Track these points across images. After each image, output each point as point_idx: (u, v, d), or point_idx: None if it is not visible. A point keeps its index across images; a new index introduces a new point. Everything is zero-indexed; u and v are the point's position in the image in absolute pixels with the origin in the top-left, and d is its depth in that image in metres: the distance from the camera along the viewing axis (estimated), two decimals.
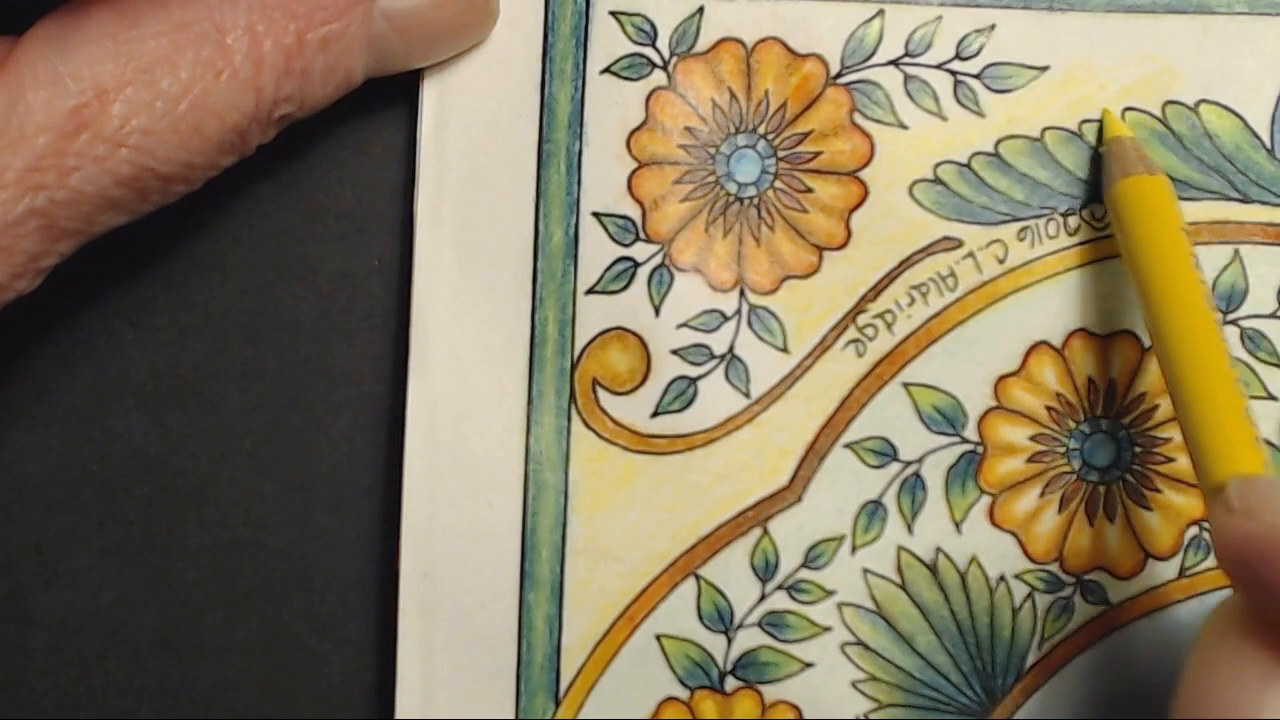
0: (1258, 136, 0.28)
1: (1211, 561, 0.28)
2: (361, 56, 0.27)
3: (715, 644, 0.28)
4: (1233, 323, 0.28)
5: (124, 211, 0.25)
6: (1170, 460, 0.28)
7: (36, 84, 0.24)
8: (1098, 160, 0.28)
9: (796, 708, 0.28)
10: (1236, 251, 0.28)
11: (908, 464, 0.28)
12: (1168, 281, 0.26)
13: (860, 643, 0.28)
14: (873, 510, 0.28)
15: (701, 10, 0.28)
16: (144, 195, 0.25)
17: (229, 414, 0.29)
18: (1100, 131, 0.28)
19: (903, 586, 0.28)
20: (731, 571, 0.28)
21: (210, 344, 0.29)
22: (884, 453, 0.28)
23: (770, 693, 0.28)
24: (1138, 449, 0.28)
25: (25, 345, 0.29)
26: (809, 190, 0.28)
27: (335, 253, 0.29)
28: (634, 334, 0.28)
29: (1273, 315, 0.28)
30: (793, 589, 0.28)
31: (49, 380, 0.29)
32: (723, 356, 0.28)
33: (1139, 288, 0.26)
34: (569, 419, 0.28)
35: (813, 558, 0.28)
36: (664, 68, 0.28)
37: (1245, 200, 0.28)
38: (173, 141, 0.25)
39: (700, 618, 0.28)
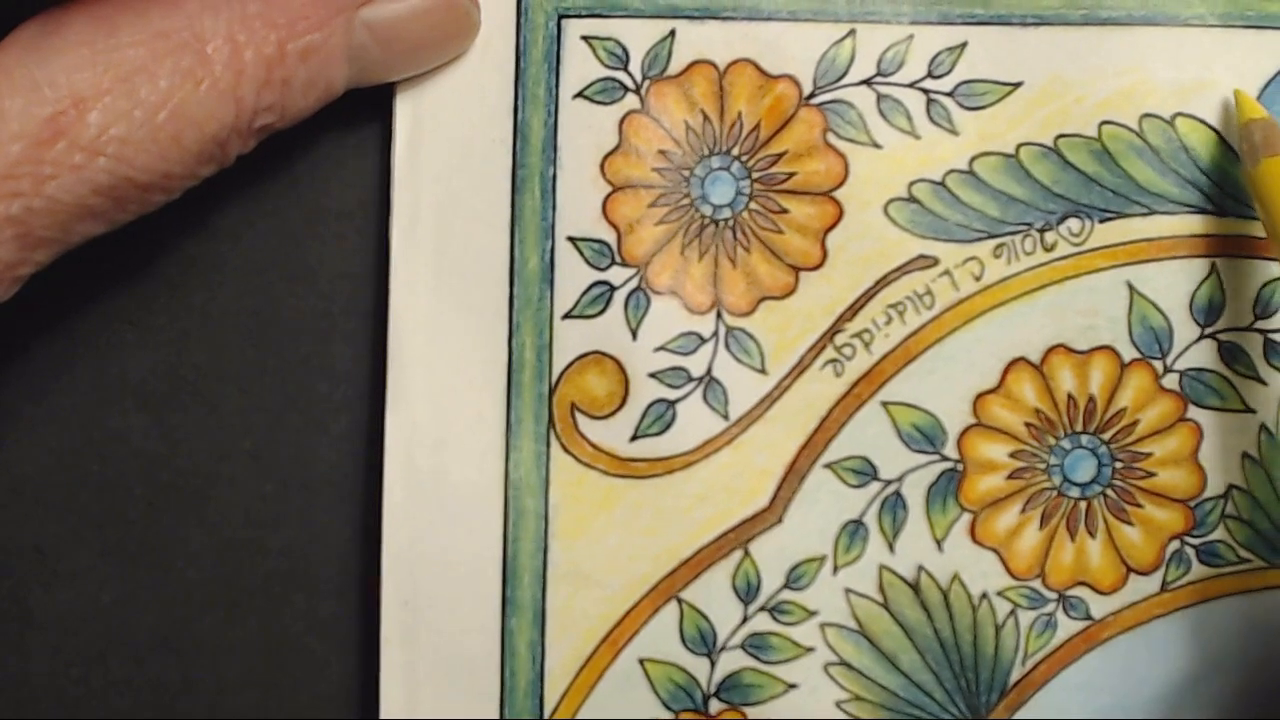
0: (1233, 149, 0.27)
1: (1195, 575, 0.27)
2: (343, 67, 0.26)
3: (699, 667, 0.27)
4: (1210, 336, 0.27)
5: (102, 221, 0.24)
6: (1151, 475, 0.27)
7: (13, 91, 0.23)
8: (1072, 174, 0.27)
9: None
10: (1213, 265, 0.27)
11: (888, 483, 0.27)
12: None
13: (844, 663, 0.27)
14: (854, 530, 0.27)
15: (673, 33, 0.27)
16: (122, 205, 0.24)
17: (229, 414, 0.28)
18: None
19: (885, 606, 0.27)
20: (713, 594, 0.27)
21: (210, 344, 0.28)
22: (864, 472, 0.27)
23: (754, 714, 0.27)
24: (1118, 464, 0.27)
25: (25, 345, 0.28)
26: (784, 211, 0.27)
27: (335, 253, 0.28)
28: (612, 358, 0.27)
29: (1249, 328, 0.27)
30: (775, 610, 0.27)
31: (49, 380, 0.28)
32: (701, 379, 0.27)
33: None
34: (548, 444, 0.27)
35: (794, 578, 0.27)
36: (637, 91, 0.27)
37: (1221, 213, 0.27)
38: (151, 151, 0.24)
39: (683, 641, 0.27)
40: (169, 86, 0.24)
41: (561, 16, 0.27)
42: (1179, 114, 0.27)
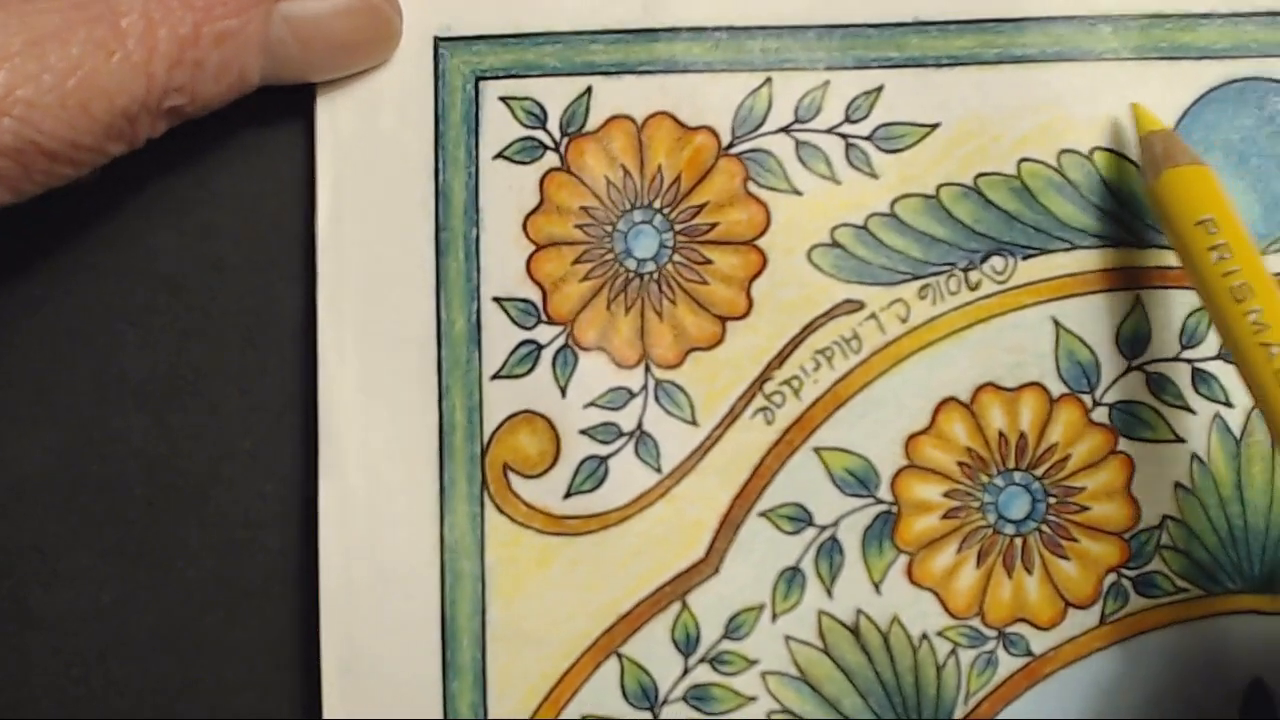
0: None
1: (1133, 607, 0.27)
2: (257, 57, 0.26)
3: None
4: (1138, 368, 0.27)
5: (7, 186, 0.24)
6: (1084, 509, 0.27)
7: None
8: (993, 212, 0.27)
9: None
10: (1138, 297, 0.27)
11: (823, 528, 0.27)
12: (1228, 272, 0.24)
13: (786, 710, 0.27)
14: (791, 577, 0.27)
15: (590, 90, 0.27)
16: (28, 171, 0.24)
17: (229, 414, 0.28)
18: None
19: (825, 651, 0.27)
20: (653, 647, 0.27)
21: (210, 344, 0.28)
22: (799, 518, 0.27)
23: None
24: (1052, 499, 0.27)
25: (25, 345, 0.28)
26: (708, 262, 0.27)
27: None
28: (542, 416, 0.27)
29: (1176, 358, 0.27)
30: (715, 661, 0.27)
31: (49, 380, 0.28)
32: (632, 433, 0.27)
33: (1197, 284, 0.24)
34: (482, 506, 0.27)
35: (734, 628, 0.27)
36: (556, 149, 0.27)
37: (1143, 245, 0.27)
38: (59, 117, 0.24)
39: (625, 696, 0.27)
40: (80, 54, 0.24)
41: (479, 78, 0.27)
42: (1097, 148, 0.27)
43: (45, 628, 0.28)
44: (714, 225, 0.27)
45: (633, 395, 0.27)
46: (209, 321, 0.28)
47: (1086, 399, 0.27)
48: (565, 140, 0.27)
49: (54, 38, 0.24)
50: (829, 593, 0.27)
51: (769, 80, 0.27)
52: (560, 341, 0.27)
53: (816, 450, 0.27)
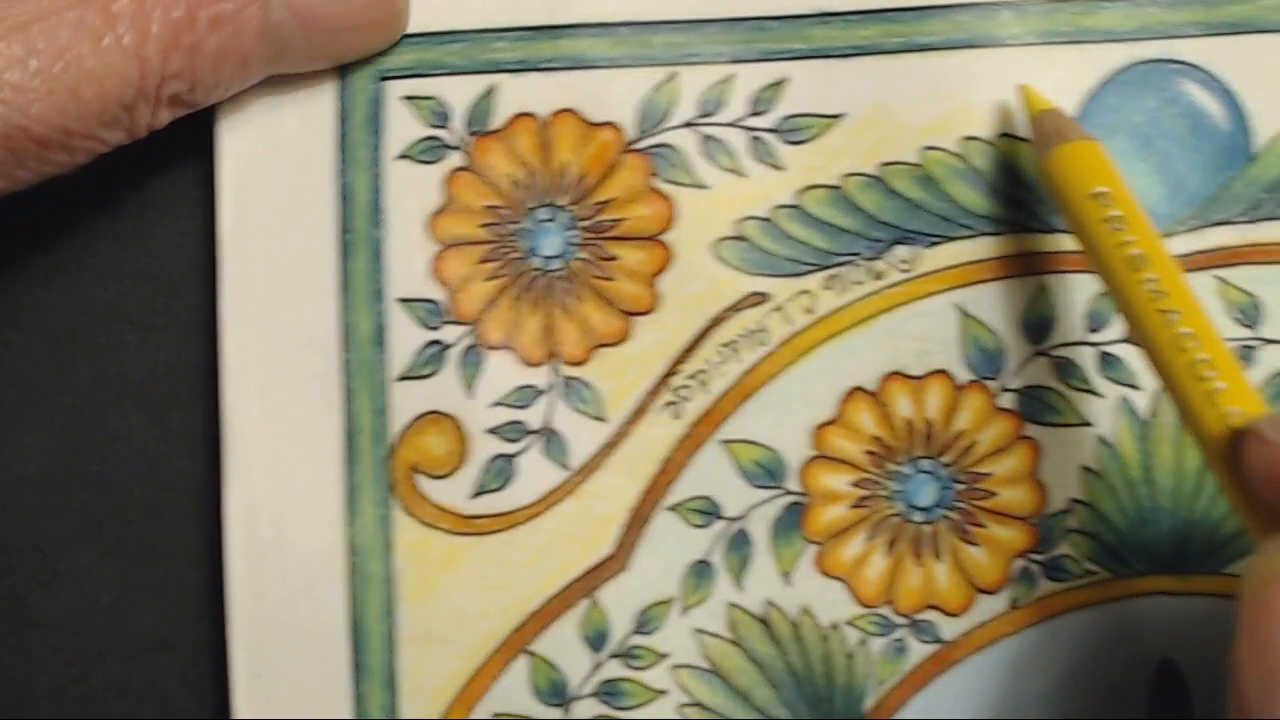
0: None
1: (1042, 591, 0.27)
2: (257, 43, 0.25)
3: (553, 718, 0.27)
4: (1043, 353, 0.27)
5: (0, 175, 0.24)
6: (992, 495, 0.27)
7: None
8: (897, 201, 0.27)
9: None
10: (1042, 282, 0.27)
11: (732, 521, 0.27)
12: (1123, 242, 0.24)
13: (697, 703, 0.27)
14: (701, 570, 0.27)
15: (493, 88, 0.27)
16: (19, 158, 0.24)
17: None
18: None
19: (736, 643, 0.27)
20: (563, 644, 0.27)
21: (210, 344, 0.28)
22: (708, 511, 0.27)
23: None
24: (959, 486, 0.27)
25: (25, 345, 0.28)
26: (614, 258, 0.27)
27: None
28: (449, 416, 0.27)
29: (1081, 342, 0.27)
30: (626, 656, 0.27)
31: (49, 380, 0.28)
32: (539, 431, 0.27)
33: (1094, 257, 0.24)
34: (389, 508, 0.27)
35: (643, 623, 0.27)
36: (460, 148, 0.27)
37: (1048, 230, 0.27)
38: (47, 101, 0.23)
39: (536, 693, 0.27)
40: (69, 38, 0.23)
41: (382, 78, 0.27)
42: (1001, 134, 0.27)
43: (45, 628, 0.28)
44: (619, 221, 0.27)
45: (540, 393, 0.27)
46: (209, 321, 0.28)
47: (992, 385, 0.27)
48: (469, 139, 0.27)
49: (41, 21, 0.23)
50: (739, 585, 0.27)
51: (673, 75, 0.27)
52: (466, 341, 0.27)
53: (724, 443, 0.27)
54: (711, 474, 0.27)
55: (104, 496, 0.28)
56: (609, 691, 0.27)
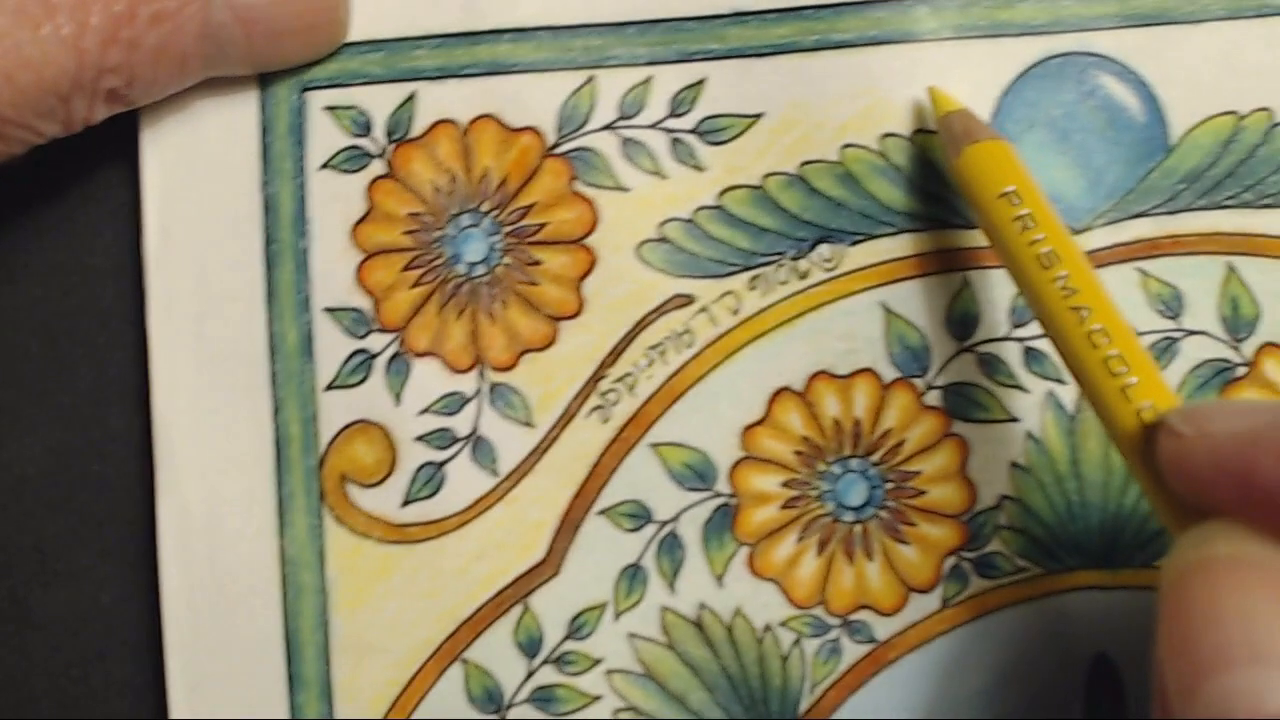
0: None
1: (974, 589, 0.27)
2: (197, 42, 0.25)
3: None
4: (969, 349, 0.27)
5: None
6: (921, 493, 0.27)
7: None
8: (819, 200, 0.27)
9: None
10: (966, 278, 0.27)
11: (663, 524, 0.27)
12: (1033, 240, 0.24)
13: (632, 707, 0.27)
14: (633, 574, 0.27)
15: (413, 96, 0.27)
16: None
17: None
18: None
19: (670, 646, 0.27)
20: (497, 651, 0.27)
21: None
22: (639, 515, 0.27)
23: None
24: (889, 485, 0.27)
25: (25, 345, 0.28)
26: (538, 263, 0.27)
27: None
28: (377, 425, 0.27)
29: (1007, 338, 0.27)
30: (560, 661, 0.27)
31: (49, 380, 0.28)
32: (467, 438, 0.27)
33: (1005, 256, 0.24)
34: (320, 517, 0.27)
35: (576, 628, 0.27)
36: (382, 157, 0.27)
37: (970, 226, 0.27)
38: None
39: (470, 700, 0.27)
40: (7, 24, 0.24)
41: (304, 89, 0.27)
42: (919, 131, 0.27)
43: (45, 628, 0.28)
44: (542, 226, 0.27)
45: (467, 399, 0.27)
46: None
47: (919, 383, 0.27)
48: (391, 147, 0.27)
49: None
50: (671, 588, 0.27)
51: (591, 79, 0.27)
52: (392, 349, 0.27)
53: (653, 446, 0.27)
54: (641, 477, 0.27)
55: (104, 496, 0.28)
56: (543, 697, 0.27)
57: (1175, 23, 0.27)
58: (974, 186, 0.25)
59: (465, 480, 0.27)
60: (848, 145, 0.27)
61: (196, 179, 0.27)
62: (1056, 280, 0.23)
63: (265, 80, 0.27)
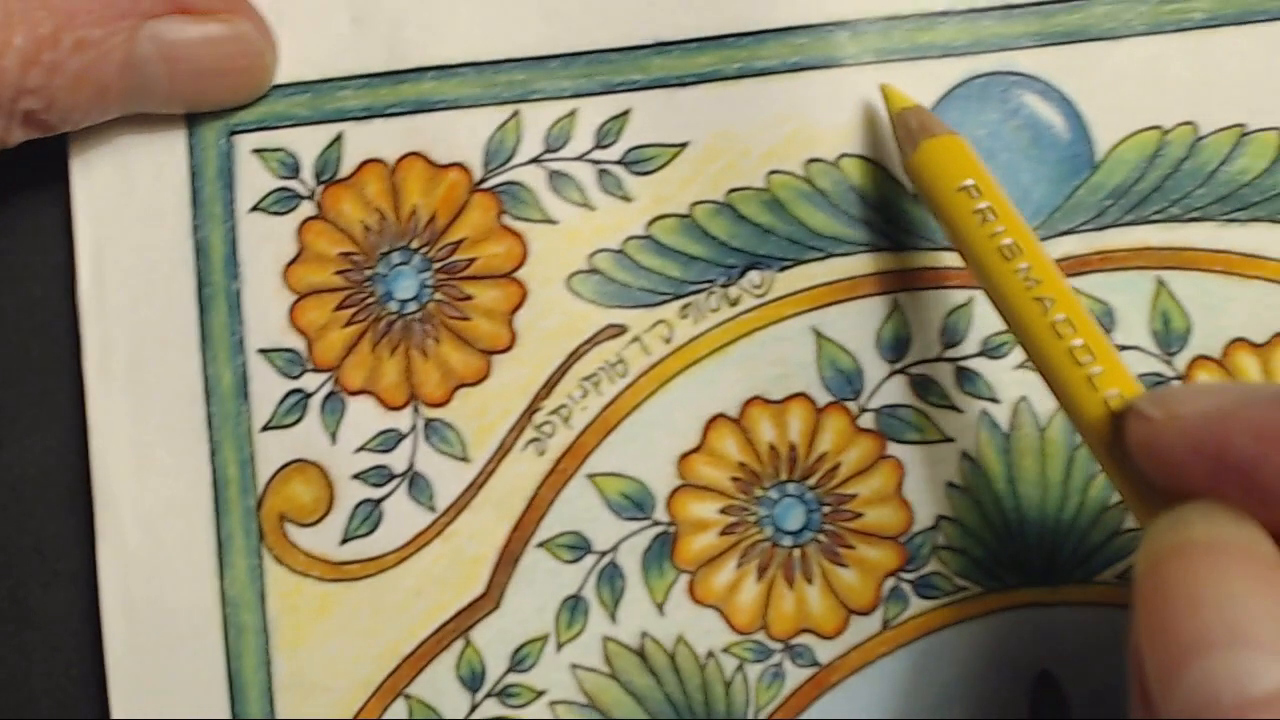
0: (900, 184, 0.27)
1: (914, 610, 0.27)
2: (120, 73, 0.25)
3: None
4: (901, 371, 0.27)
5: None
6: (859, 515, 0.27)
7: None
8: (747, 227, 0.27)
9: None
10: (895, 301, 0.27)
11: (603, 554, 0.27)
12: (994, 233, 0.24)
13: None
14: (574, 605, 0.27)
15: (340, 136, 0.27)
16: None
17: None
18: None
19: (613, 676, 0.27)
20: (440, 686, 0.27)
21: None
22: (578, 546, 0.27)
23: None
24: (826, 508, 0.27)
25: (26, 345, 0.28)
26: (469, 298, 0.27)
27: None
28: (314, 464, 0.27)
29: (939, 359, 0.27)
30: (503, 695, 0.27)
31: (49, 380, 0.28)
32: (404, 474, 0.27)
33: (965, 251, 0.24)
34: (260, 558, 0.27)
35: (519, 661, 0.27)
36: (311, 198, 0.27)
37: (898, 248, 0.27)
38: None
39: None
40: None
41: (232, 132, 0.27)
42: (843, 155, 0.27)
43: (45, 628, 0.28)
44: (472, 261, 0.27)
45: (403, 436, 0.27)
46: None
47: (852, 406, 0.27)
48: (320, 188, 0.27)
49: None
50: (613, 618, 0.27)
51: (517, 113, 0.27)
52: (327, 388, 0.27)
53: (590, 477, 0.27)
54: (579, 509, 0.27)
55: None
56: None
57: (1096, 39, 0.26)
58: (932, 181, 0.25)
59: (403, 517, 0.27)
60: (773, 172, 0.27)
61: (128, 225, 0.27)
62: (1019, 272, 0.23)
63: (193, 124, 0.27)
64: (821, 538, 0.27)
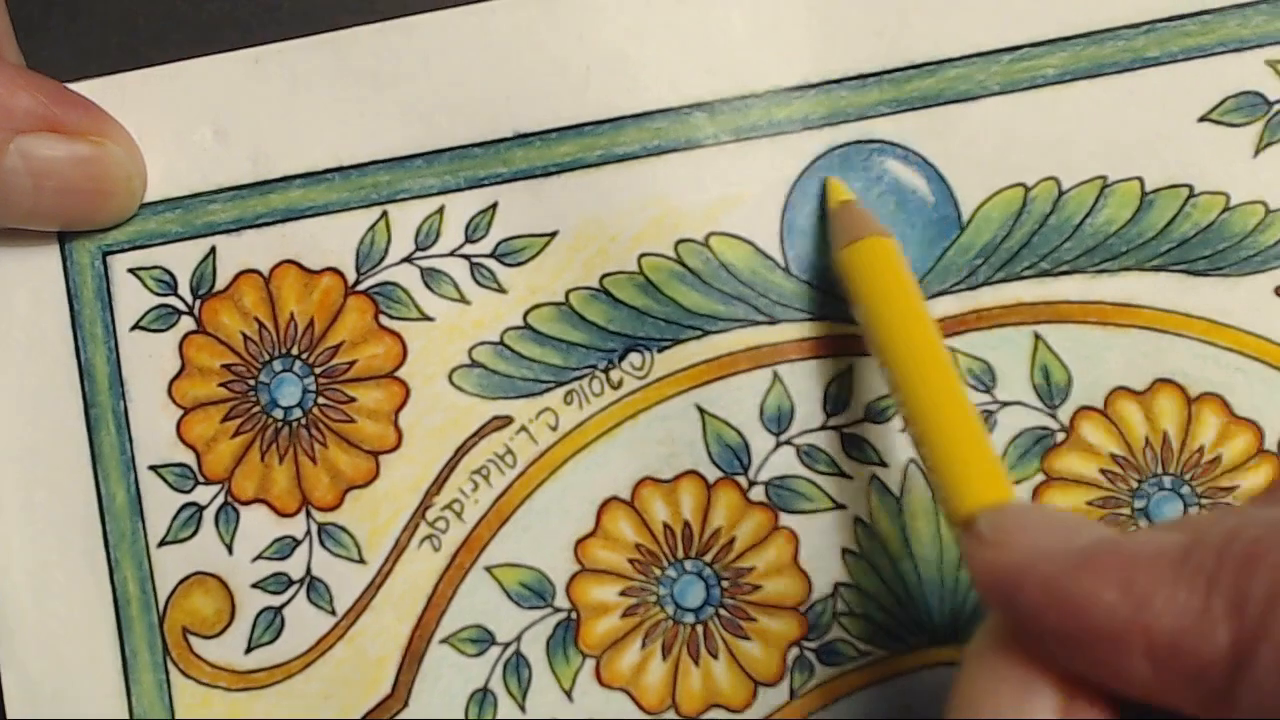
0: (770, 258, 0.27)
1: (820, 678, 0.27)
2: None
3: None
4: (787, 443, 0.27)
5: None
6: (758, 588, 0.27)
7: None
8: (622, 310, 0.27)
9: None
10: (775, 374, 0.27)
11: (506, 645, 0.27)
12: (905, 332, 0.24)
13: None
14: (482, 698, 0.27)
15: (214, 250, 0.27)
16: None
17: None
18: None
19: None
20: None
21: None
22: (481, 639, 0.27)
23: None
24: (725, 583, 0.27)
25: None
26: (352, 400, 0.27)
27: None
28: (213, 576, 0.27)
29: (823, 428, 0.27)
30: None
31: None
32: (302, 580, 0.27)
33: (876, 342, 0.25)
34: (166, 672, 0.27)
35: None
36: (190, 312, 0.27)
37: (773, 321, 0.27)
38: None
39: None
40: None
41: (105, 254, 0.28)
42: (712, 233, 0.27)
43: None
44: (353, 363, 0.27)
45: (298, 542, 0.27)
46: None
47: (742, 480, 0.27)
48: (197, 302, 0.27)
49: None
50: (522, 708, 0.27)
51: (385, 214, 0.27)
52: (220, 500, 0.27)
53: (488, 569, 0.27)
54: (479, 601, 0.27)
55: None
56: None
57: (951, 102, 0.26)
58: (855, 279, 0.25)
59: (305, 622, 0.27)
60: (644, 254, 0.27)
61: (11, 351, 0.28)
62: (923, 377, 0.23)
63: (66, 247, 0.28)
64: (723, 612, 0.27)
